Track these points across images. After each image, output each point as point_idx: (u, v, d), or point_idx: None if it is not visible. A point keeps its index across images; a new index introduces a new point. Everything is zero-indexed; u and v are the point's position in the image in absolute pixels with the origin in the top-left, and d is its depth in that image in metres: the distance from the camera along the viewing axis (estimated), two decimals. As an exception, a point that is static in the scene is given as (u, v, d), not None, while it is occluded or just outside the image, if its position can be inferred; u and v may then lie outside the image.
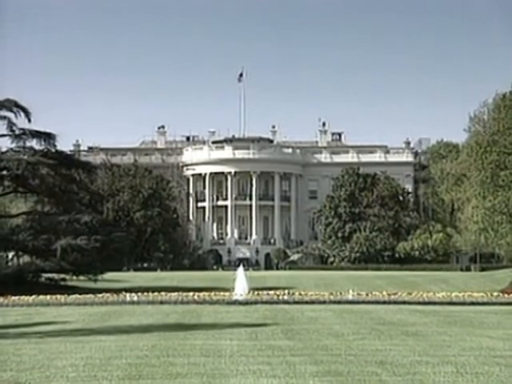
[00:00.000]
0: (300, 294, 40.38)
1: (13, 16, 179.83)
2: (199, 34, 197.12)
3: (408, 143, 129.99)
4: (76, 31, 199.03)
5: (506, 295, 41.83)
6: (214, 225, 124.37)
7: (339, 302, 37.54)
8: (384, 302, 38.10)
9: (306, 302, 37.35)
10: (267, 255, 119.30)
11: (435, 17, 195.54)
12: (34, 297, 40.05)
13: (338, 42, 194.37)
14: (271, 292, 41.81)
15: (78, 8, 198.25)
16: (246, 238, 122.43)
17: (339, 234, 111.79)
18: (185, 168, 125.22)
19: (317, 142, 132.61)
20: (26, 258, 63.27)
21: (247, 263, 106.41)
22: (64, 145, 77.34)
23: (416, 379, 13.07)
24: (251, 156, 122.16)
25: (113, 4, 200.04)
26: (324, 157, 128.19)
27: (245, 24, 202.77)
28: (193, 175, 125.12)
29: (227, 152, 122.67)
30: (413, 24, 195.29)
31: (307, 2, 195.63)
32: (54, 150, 58.75)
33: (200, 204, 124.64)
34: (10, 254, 64.49)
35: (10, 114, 56.98)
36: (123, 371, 14.09)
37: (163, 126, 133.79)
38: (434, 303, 38.24)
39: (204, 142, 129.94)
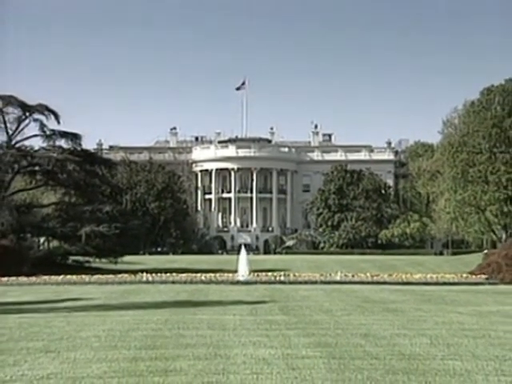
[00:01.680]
0: (294, 276, 40.33)
1: (37, 20, 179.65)
2: (207, 46, 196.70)
3: (389, 143, 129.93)
4: (96, 40, 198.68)
5: (473, 276, 41.90)
6: (220, 214, 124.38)
7: (329, 283, 37.45)
8: (368, 283, 38.11)
9: (300, 283, 37.31)
10: (266, 241, 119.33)
11: (417, 27, 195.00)
12: (62, 277, 40.12)
13: (330, 53, 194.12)
14: (269, 273, 41.79)
15: (98, 18, 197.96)
16: (247, 226, 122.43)
17: (329, 223, 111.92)
18: (194, 164, 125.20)
19: (310, 142, 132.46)
20: (55, 243, 63.35)
21: (248, 248, 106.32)
22: (88, 144, 77.21)
23: (395, 350, 13.11)
24: (252, 154, 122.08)
25: (129, 14, 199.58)
26: (316, 155, 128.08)
27: (248, 38, 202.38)
28: (201, 171, 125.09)
29: (231, 150, 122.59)
30: (397, 37, 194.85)
31: (305, 14, 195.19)
32: (79, 149, 58.81)
33: (207, 196, 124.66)
34: (42, 239, 64.71)
35: (42, 117, 57.23)
36: (140, 342, 14.13)
37: (175, 128, 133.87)
38: (412, 283, 38.22)
39: (211, 142, 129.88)
